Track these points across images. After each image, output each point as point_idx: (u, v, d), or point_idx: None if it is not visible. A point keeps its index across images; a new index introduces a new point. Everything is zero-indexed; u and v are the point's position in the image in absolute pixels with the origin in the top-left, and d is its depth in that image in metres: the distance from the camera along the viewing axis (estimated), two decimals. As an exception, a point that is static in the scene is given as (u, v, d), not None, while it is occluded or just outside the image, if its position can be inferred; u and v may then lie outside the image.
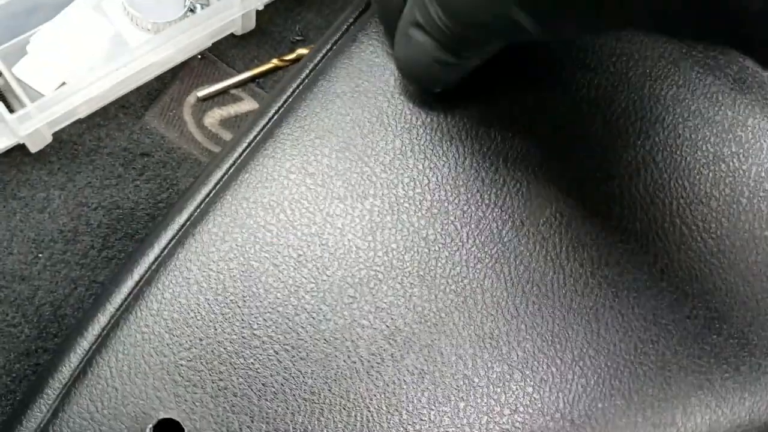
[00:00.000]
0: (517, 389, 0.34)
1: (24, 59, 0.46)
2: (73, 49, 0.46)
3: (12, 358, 0.41)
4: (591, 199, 0.37)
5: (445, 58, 0.32)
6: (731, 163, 0.38)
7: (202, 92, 0.49)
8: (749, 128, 0.38)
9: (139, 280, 0.35)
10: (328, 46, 0.39)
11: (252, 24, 0.51)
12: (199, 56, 0.50)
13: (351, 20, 0.39)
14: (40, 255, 0.44)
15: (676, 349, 0.35)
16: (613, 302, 0.35)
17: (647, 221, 0.37)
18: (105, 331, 0.34)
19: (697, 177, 0.37)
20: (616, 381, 0.34)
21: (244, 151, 0.37)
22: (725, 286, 0.36)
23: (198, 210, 0.36)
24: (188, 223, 0.36)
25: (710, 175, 0.37)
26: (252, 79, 0.50)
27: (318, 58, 0.38)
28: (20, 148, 0.46)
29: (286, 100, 0.37)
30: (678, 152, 0.37)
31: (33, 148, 0.46)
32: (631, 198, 0.36)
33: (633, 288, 0.36)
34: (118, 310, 0.34)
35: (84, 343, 0.34)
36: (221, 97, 0.50)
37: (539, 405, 0.34)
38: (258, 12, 0.50)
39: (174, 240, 0.35)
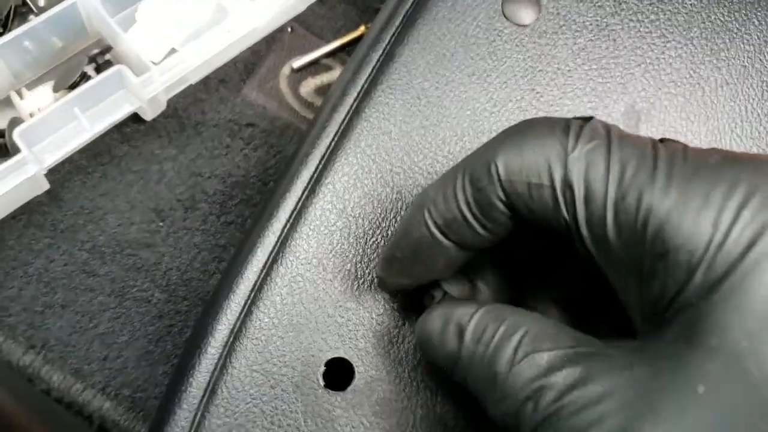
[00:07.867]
0: None
1: (133, 28, 0.46)
2: (179, 17, 0.46)
3: (146, 320, 0.42)
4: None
5: None
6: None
7: (296, 63, 0.49)
8: None
9: (280, 234, 0.34)
10: None
11: None
12: (289, 29, 0.51)
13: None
14: (161, 223, 0.44)
15: None
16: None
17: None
18: (257, 286, 0.33)
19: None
20: None
21: (355, 100, 0.36)
22: None
23: (322, 160, 0.35)
24: (316, 173, 0.35)
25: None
26: (342, 47, 0.50)
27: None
28: (130, 124, 0.46)
29: (388, 42, 0.37)
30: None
31: (150, 115, 0.46)
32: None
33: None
34: (265, 264, 0.34)
35: (238, 299, 0.33)
36: (313, 66, 0.50)
37: None
38: (345, -24, 0.50)
39: (306, 191, 0.35)
